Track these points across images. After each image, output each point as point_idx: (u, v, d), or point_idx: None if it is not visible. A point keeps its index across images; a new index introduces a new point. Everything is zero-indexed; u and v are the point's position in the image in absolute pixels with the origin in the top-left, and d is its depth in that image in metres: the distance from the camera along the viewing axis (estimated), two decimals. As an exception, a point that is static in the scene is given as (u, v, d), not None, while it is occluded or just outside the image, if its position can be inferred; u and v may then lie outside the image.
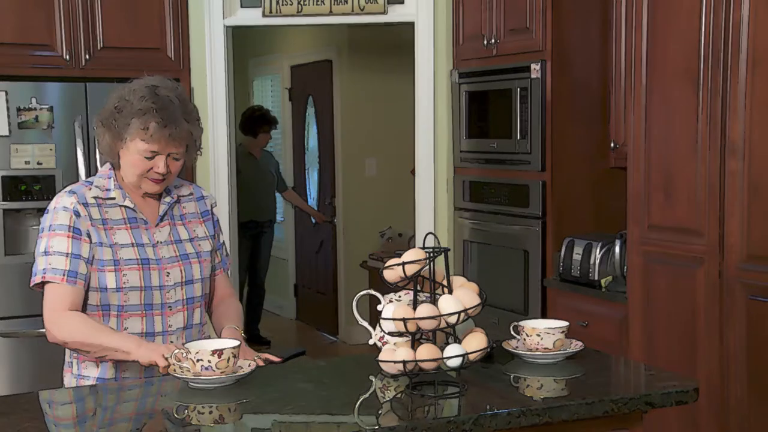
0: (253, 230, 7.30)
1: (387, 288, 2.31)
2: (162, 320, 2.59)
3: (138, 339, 2.49)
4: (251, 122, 7.34)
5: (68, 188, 2.61)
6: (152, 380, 2.43)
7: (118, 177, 2.63)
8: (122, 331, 2.54)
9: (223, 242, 2.82)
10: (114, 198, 2.59)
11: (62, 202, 2.56)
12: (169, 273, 2.59)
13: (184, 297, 2.62)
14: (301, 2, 5.13)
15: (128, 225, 2.59)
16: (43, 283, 2.53)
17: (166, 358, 2.34)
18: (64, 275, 2.49)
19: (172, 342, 2.58)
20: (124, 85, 2.58)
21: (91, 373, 2.57)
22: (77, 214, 2.54)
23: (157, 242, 2.61)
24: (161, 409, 2.23)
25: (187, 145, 2.58)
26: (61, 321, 2.49)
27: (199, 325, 2.68)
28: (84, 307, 2.55)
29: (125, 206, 2.60)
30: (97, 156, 4.56)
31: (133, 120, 2.50)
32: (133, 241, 2.58)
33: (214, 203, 2.81)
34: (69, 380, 2.61)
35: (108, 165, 2.65)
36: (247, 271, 7.38)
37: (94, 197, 2.58)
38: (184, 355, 2.28)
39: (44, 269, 2.51)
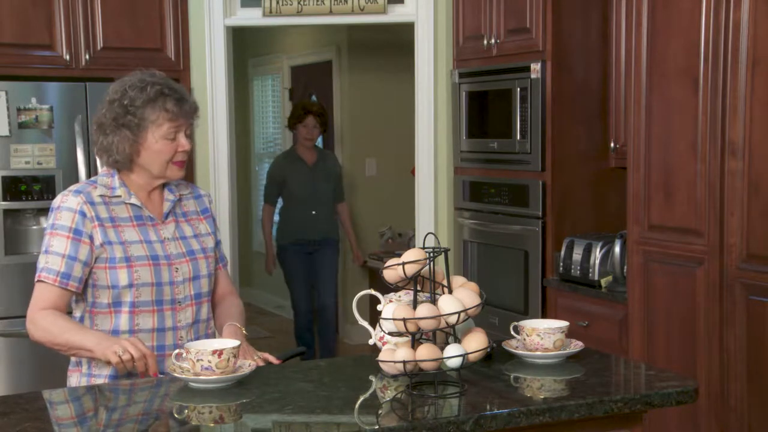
0: (306, 249, 6.21)
1: (387, 288, 2.31)
2: (172, 316, 2.61)
3: (99, 335, 2.50)
4: (291, 115, 6.28)
5: (73, 188, 2.62)
6: (158, 380, 2.42)
7: (122, 176, 2.64)
8: (134, 327, 2.56)
9: (220, 240, 2.86)
10: (120, 196, 2.61)
11: (68, 203, 2.57)
12: (177, 269, 2.62)
13: (192, 293, 2.66)
14: (301, 2, 5.13)
15: (135, 222, 2.62)
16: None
17: (119, 356, 2.36)
18: (57, 276, 2.52)
19: (181, 338, 2.62)
20: (115, 88, 2.61)
21: (103, 372, 2.57)
22: (83, 215, 2.55)
23: (165, 239, 2.64)
24: (161, 409, 2.23)
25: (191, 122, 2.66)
26: (36, 320, 2.52)
27: (206, 320, 2.71)
28: (95, 306, 2.57)
29: (131, 204, 2.62)
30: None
31: (149, 107, 2.54)
32: (142, 238, 2.60)
33: (210, 201, 2.86)
34: (78, 380, 2.61)
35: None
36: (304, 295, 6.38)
37: (101, 195, 2.60)
38: (184, 355, 2.28)
39: (42, 267, 2.54)
